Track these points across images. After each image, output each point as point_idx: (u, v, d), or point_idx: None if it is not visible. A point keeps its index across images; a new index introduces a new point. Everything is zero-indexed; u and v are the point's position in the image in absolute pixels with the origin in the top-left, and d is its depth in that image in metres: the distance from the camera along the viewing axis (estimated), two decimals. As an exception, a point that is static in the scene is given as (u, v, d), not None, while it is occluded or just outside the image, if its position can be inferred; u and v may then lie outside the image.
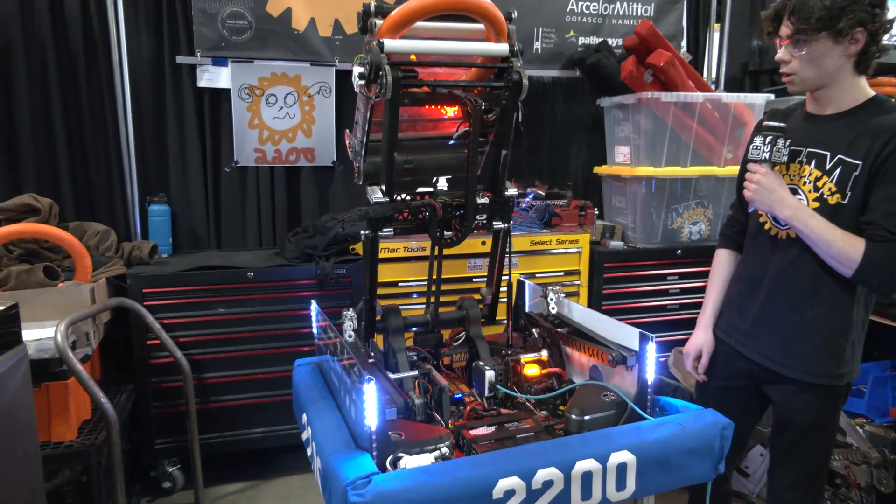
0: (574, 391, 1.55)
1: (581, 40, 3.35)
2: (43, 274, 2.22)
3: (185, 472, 2.68)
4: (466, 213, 1.66)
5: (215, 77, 2.86)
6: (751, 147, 1.62)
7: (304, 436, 1.56)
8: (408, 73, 1.42)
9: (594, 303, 2.97)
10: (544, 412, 1.55)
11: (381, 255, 2.68)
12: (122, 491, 2.07)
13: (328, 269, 2.64)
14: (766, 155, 1.59)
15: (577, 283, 2.98)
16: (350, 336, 1.62)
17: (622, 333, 1.51)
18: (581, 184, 3.55)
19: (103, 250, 2.58)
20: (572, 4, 3.30)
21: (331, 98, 3.01)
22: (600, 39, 3.33)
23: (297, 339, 2.67)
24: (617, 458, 1.22)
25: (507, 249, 1.80)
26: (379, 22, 1.39)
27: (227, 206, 3.00)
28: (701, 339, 1.86)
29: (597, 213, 3.21)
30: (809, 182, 1.61)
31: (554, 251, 2.94)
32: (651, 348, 1.41)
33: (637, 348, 1.46)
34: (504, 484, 1.14)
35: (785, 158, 1.60)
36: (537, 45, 3.29)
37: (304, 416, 1.58)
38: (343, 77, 3.03)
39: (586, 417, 1.41)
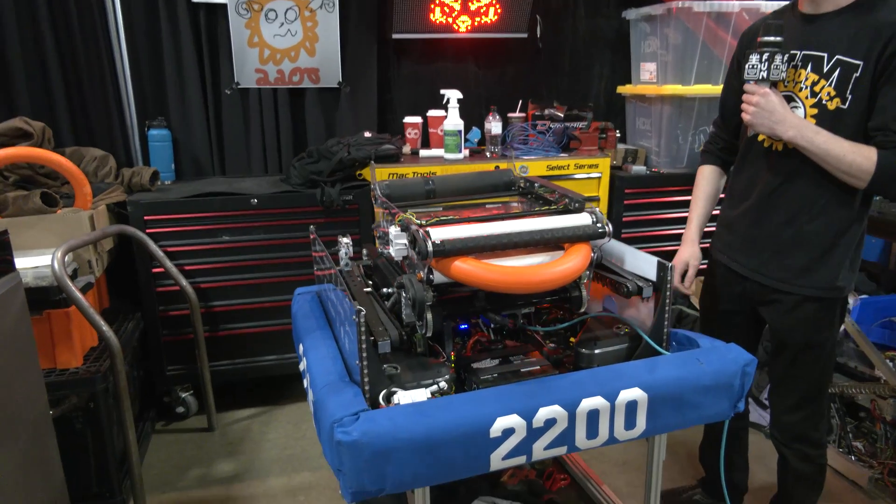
0: (585, 323, 1.45)
1: (607, -55, 3.06)
2: (40, 200, 2.15)
3: (198, 397, 2.70)
4: None
5: (211, -10, 2.68)
6: (746, 66, 1.52)
7: (301, 367, 1.50)
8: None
9: (613, 231, 2.84)
10: (552, 344, 1.46)
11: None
12: (130, 418, 2.06)
13: (334, 195, 2.54)
14: (764, 73, 1.50)
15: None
16: (347, 265, 1.53)
17: (639, 262, 1.39)
18: (603, 105, 3.35)
19: (102, 176, 2.50)
20: None
21: (334, 13, 2.82)
22: (628, -57, 3.04)
23: (304, 268, 2.60)
24: (627, 395, 1.13)
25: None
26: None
27: (230, 130, 2.88)
28: (687, 252, 1.86)
29: (618, 135, 3.03)
30: (806, 88, 1.53)
31: (572, 176, 2.79)
32: (669, 278, 1.29)
33: (654, 278, 1.34)
34: (503, 422, 1.06)
35: (783, 75, 1.51)
36: (558, -50, 3.02)
37: (301, 347, 1.51)
38: (347, -11, 2.82)
39: (596, 351, 1.31)
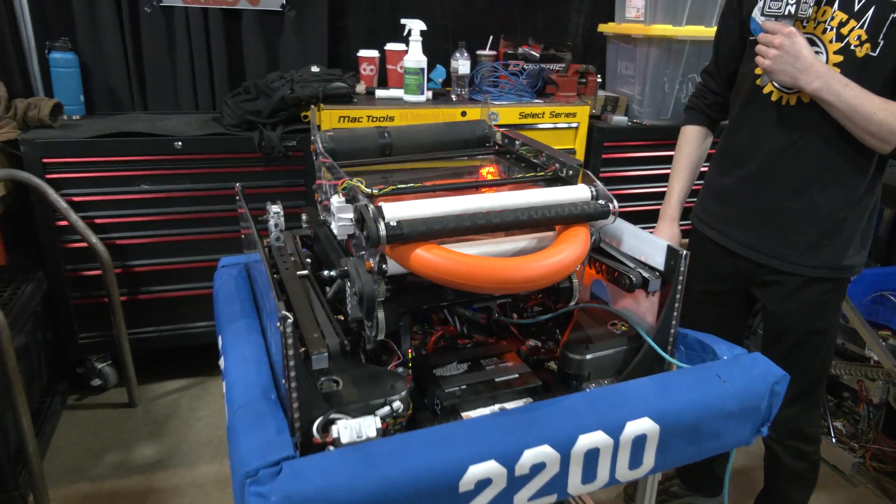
0: (573, 316, 1.19)
1: None
2: None
3: (117, 368, 2.37)
4: None
5: None
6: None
7: (221, 365, 1.20)
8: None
9: (589, 188, 2.57)
10: (532, 342, 1.20)
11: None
12: (22, 402, 1.74)
13: (274, 139, 2.18)
14: (791, 8, 1.24)
15: (572, 164, 2.56)
16: (278, 238, 1.22)
17: (642, 245, 1.12)
18: (581, 45, 3.02)
19: (-12, 109, 2.07)
20: None
21: (277, -81, 2.38)
22: None
23: (239, 223, 2.26)
24: (634, 428, 0.88)
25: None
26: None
27: (152, 57, 2.45)
28: (667, 234, 1.61)
29: (599, 80, 2.72)
30: (832, 29, 1.28)
31: (546, 125, 2.49)
32: (682, 269, 1.03)
33: (662, 267, 1.08)
34: (477, 471, 0.80)
35: (811, 11, 1.25)
36: None
37: (220, 340, 1.21)
38: None
39: (588, 356, 1.06)
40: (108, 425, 2.20)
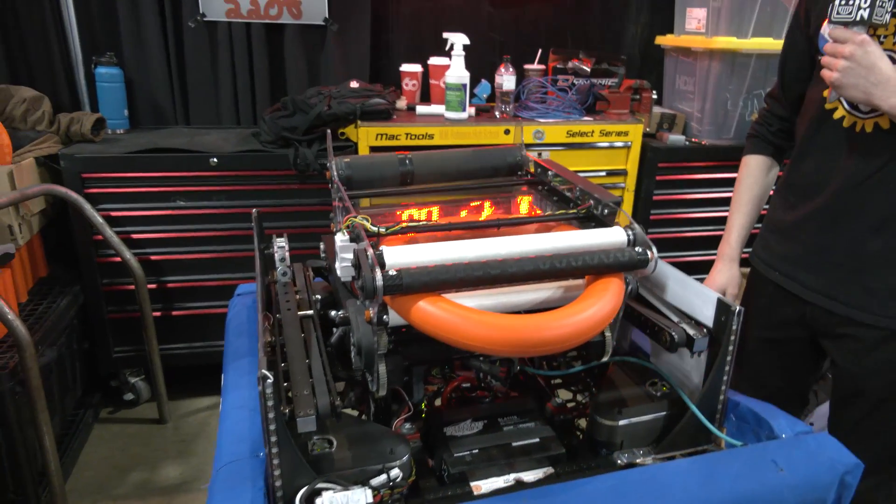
0: (607, 371, 1.06)
1: None
2: (-59, 152, 1.76)
3: (151, 383, 2.36)
4: None
5: None
6: (837, 3, 1.07)
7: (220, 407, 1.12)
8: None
9: (641, 212, 2.41)
10: (559, 398, 1.07)
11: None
12: (46, 421, 1.72)
13: (310, 157, 2.12)
14: (864, 13, 1.06)
15: (622, 185, 2.40)
16: (284, 273, 1.13)
17: (688, 295, 0.98)
18: (637, 57, 2.85)
19: (32, 123, 2.09)
20: None
21: (321, -69, 2.33)
22: None
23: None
24: (669, 524, 0.74)
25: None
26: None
27: (195, 71, 2.44)
28: (724, 276, 1.43)
29: (655, 96, 2.55)
30: None
31: (597, 144, 2.34)
32: (735, 327, 0.89)
33: (710, 322, 0.93)
34: (474, 571, 0.68)
35: (888, 17, 1.07)
36: None
37: (223, 379, 1.14)
38: None
39: (621, 423, 0.93)
40: (137, 441, 2.18)
